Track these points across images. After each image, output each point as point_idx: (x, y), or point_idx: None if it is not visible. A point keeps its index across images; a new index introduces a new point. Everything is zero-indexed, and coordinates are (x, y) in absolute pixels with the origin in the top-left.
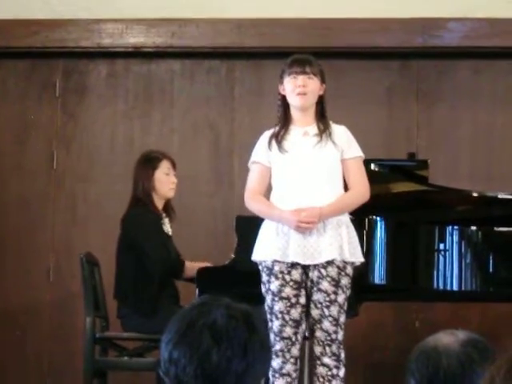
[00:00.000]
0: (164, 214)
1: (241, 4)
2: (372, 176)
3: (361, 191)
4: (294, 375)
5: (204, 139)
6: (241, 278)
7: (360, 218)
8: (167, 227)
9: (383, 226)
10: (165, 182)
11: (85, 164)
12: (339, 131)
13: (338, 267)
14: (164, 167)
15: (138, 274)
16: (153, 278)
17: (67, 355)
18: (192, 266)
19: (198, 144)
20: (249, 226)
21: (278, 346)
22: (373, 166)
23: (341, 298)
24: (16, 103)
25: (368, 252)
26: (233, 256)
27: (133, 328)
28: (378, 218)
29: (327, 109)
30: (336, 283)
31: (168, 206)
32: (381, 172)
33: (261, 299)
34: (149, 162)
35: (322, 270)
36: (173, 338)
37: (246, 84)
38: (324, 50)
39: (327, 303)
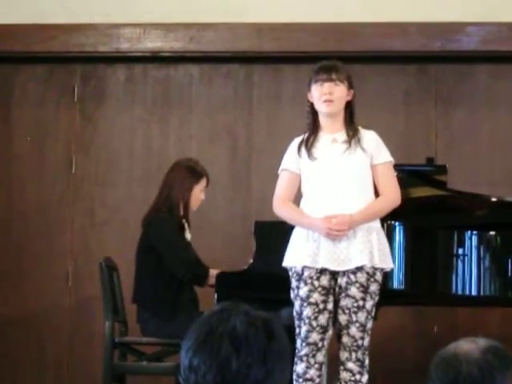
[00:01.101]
0: (184, 221)
1: (259, 8)
2: None
3: (391, 196)
4: (318, 381)
5: (222, 144)
6: (260, 283)
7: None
8: (187, 234)
9: (402, 231)
10: (198, 198)
11: (103, 168)
12: (368, 136)
13: (368, 273)
14: (202, 184)
15: (157, 277)
16: (173, 281)
17: (86, 360)
18: (213, 274)
19: (215, 149)
20: (267, 231)
21: (303, 351)
22: None
23: (369, 304)
24: (35, 108)
25: None
26: (251, 261)
27: (152, 332)
28: (397, 223)
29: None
30: (365, 289)
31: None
32: (399, 177)
33: (280, 304)
34: (193, 175)
35: (352, 276)
36: (192, 345)
37: (264, 88)
38: (342, 55)
39: (355, 309)
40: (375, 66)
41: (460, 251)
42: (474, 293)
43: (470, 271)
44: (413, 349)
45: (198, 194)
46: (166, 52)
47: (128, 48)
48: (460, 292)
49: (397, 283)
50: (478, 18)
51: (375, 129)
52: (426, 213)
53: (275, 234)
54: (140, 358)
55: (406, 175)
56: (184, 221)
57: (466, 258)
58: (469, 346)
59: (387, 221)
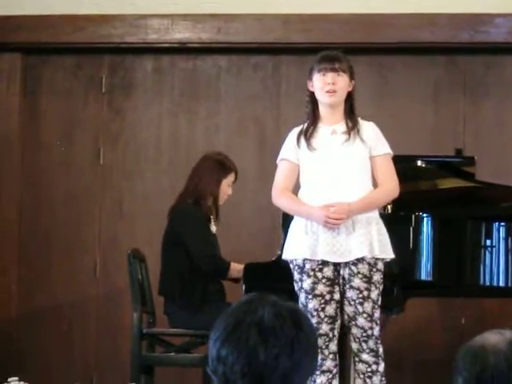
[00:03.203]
0: (210, 213)
1: None
2: (418, 172)
3: (389, 188)
4: (335, 371)
5: (250, 135)
6: (287, 274)
7: (407, 214)
8: (213, 226)
9: (430, 223)
10: (225, 192)
11: (131, 160)
12: (368, 128)
13: (369, 264)
14: (230, 179)
15: (184, 269)
16: (200, 273)
17: (114, 351)
18: (234, 268)
19: (243, 140)
20: None
21: None
22: (419, 163)
23: (374, 293)
24: (63, 99)
25: (414, 248)
26: (279, 252)
27: (180, 324)
28: (425, 215)
29: (361, 105)
30: (368, 280)
31: (216, 208)
32: (427, 168)
33: None
34: (221, 169)
35: (353, 268)
36: (220, 336)
37: (293, 80)
38: (370, 46)
39: (360, 300)
40: (404, 58)
41: (488, 242)
42: (501, 284)
43: (497, 262)
44: (440, 340)
45: (226, 188)
46: (193, 43)
47: (156, 39)
48: (488, 283)
49: (424, 274)
50: (506, 10)
51: (404, 120)
52: (454, 204)
53: None
54: (168, 350)
55: (434, 167)
56: (210, 213)
57: (494, 249)
58: (496, 338)
59: (415, 212)
